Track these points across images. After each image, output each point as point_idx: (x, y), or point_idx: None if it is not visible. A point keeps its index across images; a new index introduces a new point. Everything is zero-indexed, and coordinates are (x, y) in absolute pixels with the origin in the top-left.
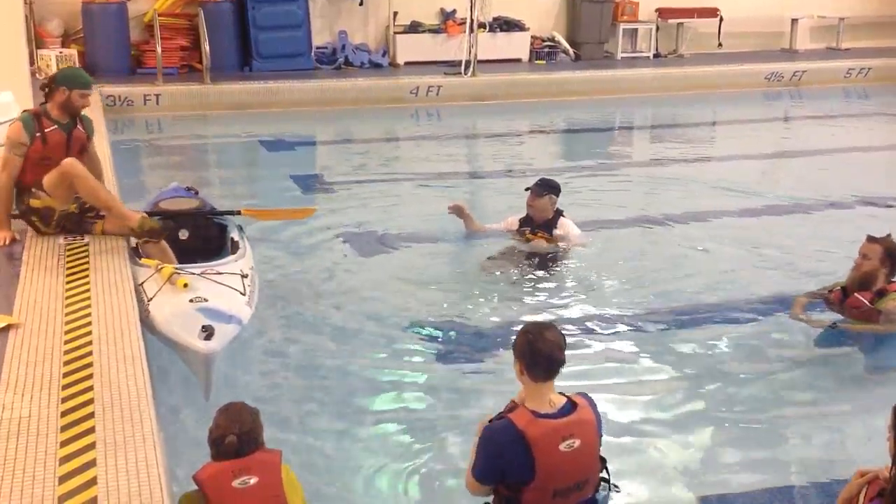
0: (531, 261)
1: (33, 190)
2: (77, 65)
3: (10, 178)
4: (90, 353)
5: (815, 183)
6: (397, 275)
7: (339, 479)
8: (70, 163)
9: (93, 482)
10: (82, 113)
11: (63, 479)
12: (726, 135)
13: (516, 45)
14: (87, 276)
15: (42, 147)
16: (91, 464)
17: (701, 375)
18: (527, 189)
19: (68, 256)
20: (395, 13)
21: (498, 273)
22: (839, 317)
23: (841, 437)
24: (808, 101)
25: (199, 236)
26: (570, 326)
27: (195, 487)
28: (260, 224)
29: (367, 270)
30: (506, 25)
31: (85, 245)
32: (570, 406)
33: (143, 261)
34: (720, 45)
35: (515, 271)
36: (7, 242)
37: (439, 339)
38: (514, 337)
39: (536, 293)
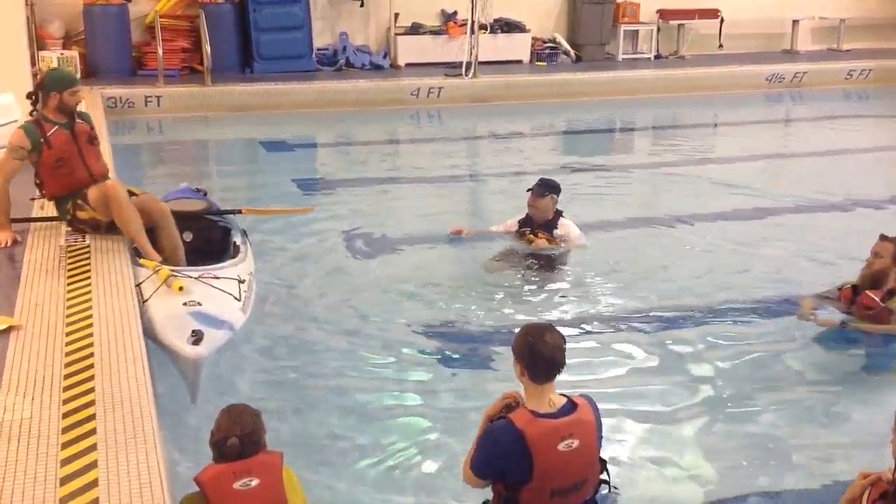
0: (532, 261)
1: (79, 202)
2: (78, 66)
3: (6, 180)
4: (91, 355)
5: (816, 184)
6: (398, 276)
7: (341, 480)
8: (113, 185)
9: (94, 484)
10: (78, 109)
11: (64, 480)
12: (727, 136)
13: (517, 47)
14: (88, 277)
15: (50, 151)
16: (92, 465)
17: (703, 377)
18: (528, 190)
19: (69, 258)
20: (397, 14)
21: (499, 274)
22: (846, 317)
23: (844, 438)
24: (808, 103)
25: (202, 238)
26: (570, 327)
27: (196, 489)
28: (262, 225)
29: (368, 272)
30: (507, 27)
31: (86, 246)
32: (571, 406)
33: (143, 262)
34: (721, 46)
35: (516, 272)
36: (8, 244)
37: (440, 340)
38: (514, 337)
39: (537, 293)
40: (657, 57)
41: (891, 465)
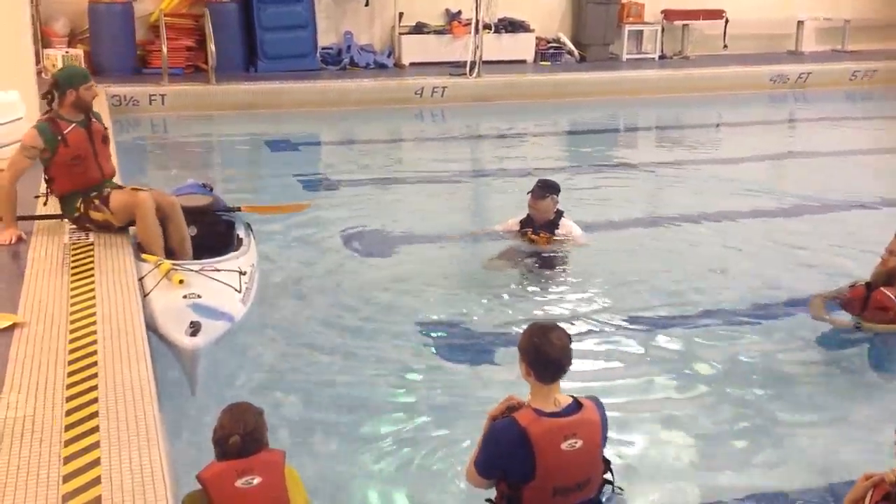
0: (534, 261)
1: (95, 202)
2: (83, 64)
3: (14, 177)
4: (95, 353)
5: (820, 185)
6: (402, 274)
7: (343, 479)
8: (145, 198)
9: (97, 481)
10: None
11: (67, 478)
12: (731, 136)
13: (521, 47)
14: (91, 274)
15: (66, 149)
16: (95, 463)
17: (707, 377)
18: (528, 193)
19: (73, 255)
20: (401, 14)
21: (502, 273)
22: (856, 318)
23: (848, 439)
24: (813, 103)
25: (207, 233)
26: (573, 326)
27: (199, 487)
28: (264, 224)
29: (371, 270)
30: (511, 26)
31: (90, 243)
32: (576, 406)
33: (145, 257)
34: (725, 46)
35: (519, 271)
36: (14, 241)
37: (443, 339)
38: (518, 336)
39: (540, 293)
40: (661, 57)
41: (894, 466)
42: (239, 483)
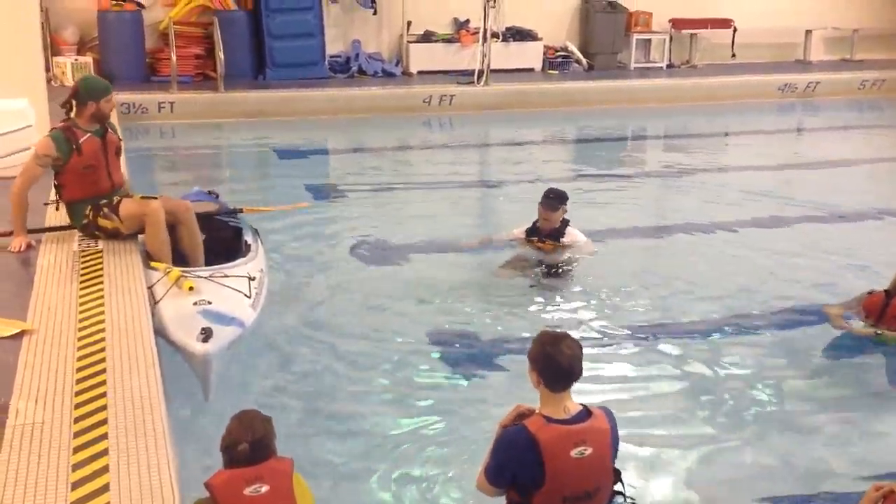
0: (541, 269)
1: (104, 210)
2: (92, 72)
3: (26, 184)
4: (103, 360)
5: (828, 194)
6: (408, 282)
7: (351, 487)
8: (156, 208)
9: (105, 488)
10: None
11: (76, 485)
12: (739, 146)
13: (529, 55)
14: (101, 282)
15: (80, 157)
16: (104, 470)
17: (716, 386)
18: (539, 203)
19: (82, 262)
20: (409, 22)
21: (509, 281)
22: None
23: (857, 449)
24: (821, 113)
25: (214, 239)
26: (581, 334)
27: (207, 494)
28: (272, 231)
29: (378, 278)
30: (519, 35)
31: (99, 251)
32: (586, 414)
33: (154, 264)
34: (734, 55)
35: (526, 279)
36: (23, 248)
37: (451, 347)
38: (527, 344)
39: (547, 300)
40: (669, 66)
41: None
42: (247, 491)
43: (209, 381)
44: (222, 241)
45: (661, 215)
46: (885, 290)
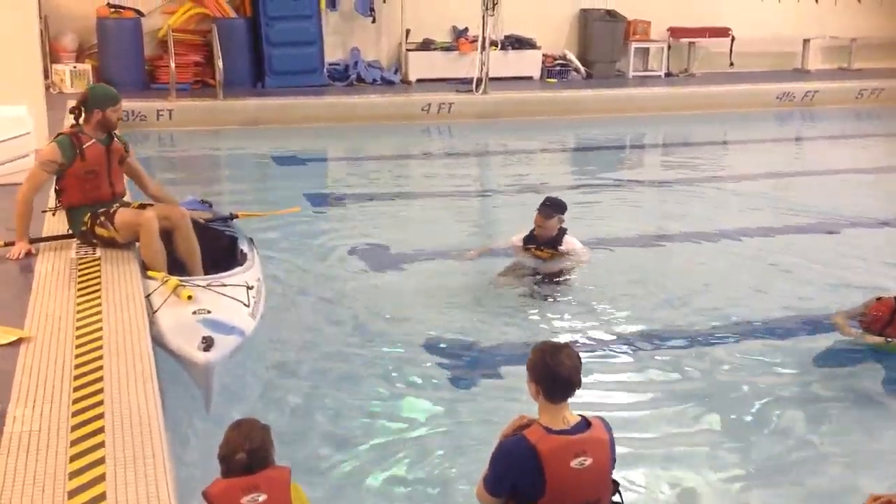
0: (539, 277)
1: (101, 219)
2: (91, 80)
3: (32, 190)
4: (101, 368)
5: (827, 203)
6: (407, 290)
7: (348, 496)
8: (149, 218)
9: (102, 497)
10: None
11: (72, 493)
12: (737, 154)
13: (528, 63)
14: (98, 289)
15: (83, 163)
16: (100, 479)
17: (714, 394)
18: (537, 211)
19: (80, 270)
20: (408, 31)
21: (506, 289)
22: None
23: (855, 460)
24: (819, 122)
25: (210, 248)
26: (578, 342)
27: (204, 503)
28: (269, 240)
29: (376, 286)
30: (517, 43)
31: (97, 259)
32: (585, 424)
33: (151, 273)
34: (732, 64)
35: (523, 288)
36: (22, 255)
37: (449, 355)
38: (525, 352)
39: (545, 308)
40: (668, 75)
41: None
42: (245, 500)
43: (211, 391)
44: (218, 250)
45: (659, 224)
46: (895, 297)
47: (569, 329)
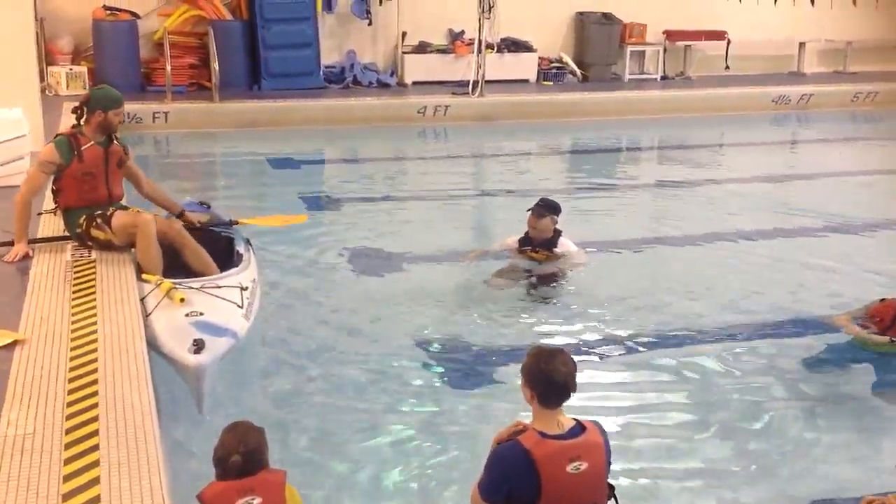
0: (534, 279)
1: (97, 221)
2: (87, 82)
3: (31, 192)
4: (95, 371)
5: (822, 206)
6: (402, 292)
7: (342, 499)
8: (147, 220)
9: (96, 500)
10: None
11: (66, 496)
12: (733, 157)
13: (524, 66)
14: (93, 292)
15: (80, 164)
16: (95, 481)
17: (709, 398)
18: (528, 210)
19: (75, 272)
20: (404, 33)
21: (501, 291)
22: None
23: (852, 461)
24: (815, 125)
25: (207, 249)
26: (574, 344)
27: None
28: (265, 242)
29: (372, 288)
30: (514, 46)
31: (92, 261)
32: (579, 428)
33: (145, 276)
34: (727, 67)
35: (518, 289)
36: (20, 257)
37: (444, 358)
38: (520, 354)
39: (540, 311)
40: (663, 78)
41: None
42: (240, 503)
43: (202, 393)
44: (214, 251)
45: (655, 226)
46: None
47: (564, 331)
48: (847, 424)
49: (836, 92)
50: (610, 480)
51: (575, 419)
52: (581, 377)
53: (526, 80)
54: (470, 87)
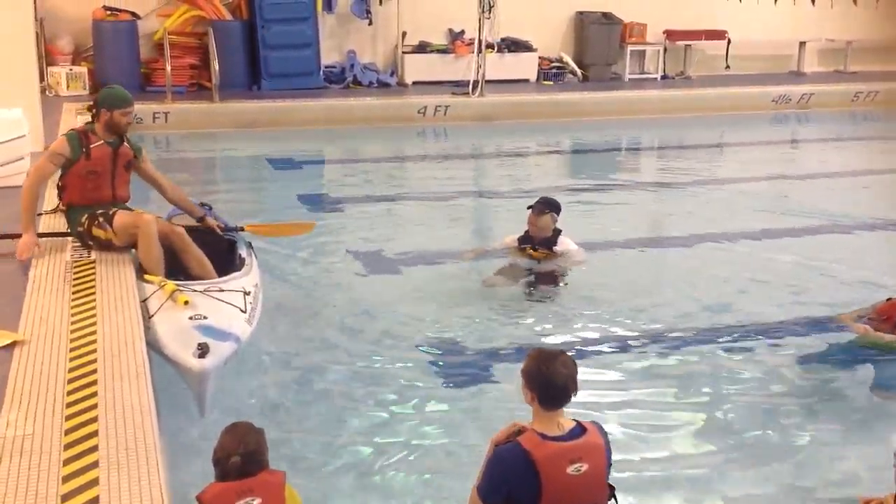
0: (533, 278)
1: (99, 220)
2: (87, 82)
3: (38, 181)
4: (94, 371)
5: (822, 205)
6: (403, 292)
7: (343, 500)
8: (148, 220)
9: (95, 501)
10: (129, 135)
11: (66, 497)
12: (733, 157)
13: (524, 66)
14: (93, 293)
15: (87, 161)
16: (94, 482)
17: (710, 397)
18: (529, 208)
19: (75, 273)
20: (404, 33)
21: (501, 290)
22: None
23: (846, 463)
24: (815, 124)
25: (208, 252)
26: (572, 344)
27: None
28: (267, 243)
29: (373, 288)
30: (514, 46)
31: (91, 261)
32: (580, 430)
33: (148, 277)
34: (728, 67)
35: (518, 288)
36: (32, 251)
37: (444, 357)
38: (519, 353)
39: (540, 310)
40: (664, 77)
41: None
42: None
43: (205, 397)
44: (216, 254)
45: (655, 226)
46: None
47: (563, 330)
48: (847, 424)
49: (837, 91)
50: (610, 481)
51: (575, 420)
52: (580, 376)
53: (526, 80)
54: (470, 87)
